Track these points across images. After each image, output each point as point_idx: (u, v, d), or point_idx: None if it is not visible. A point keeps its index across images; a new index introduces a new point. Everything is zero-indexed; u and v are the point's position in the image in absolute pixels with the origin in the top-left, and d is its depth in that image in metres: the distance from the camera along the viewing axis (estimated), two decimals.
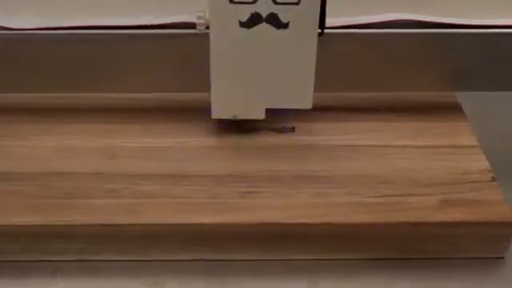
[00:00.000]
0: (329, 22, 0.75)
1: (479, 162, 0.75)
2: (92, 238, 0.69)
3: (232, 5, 0.71)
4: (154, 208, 0.70)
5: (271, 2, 0.71)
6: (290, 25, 0.72)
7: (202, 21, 0.73)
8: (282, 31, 0.72)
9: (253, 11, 0.72)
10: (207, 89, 0.77)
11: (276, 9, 0.72)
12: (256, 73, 0.75)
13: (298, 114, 0.81)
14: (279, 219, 0.69)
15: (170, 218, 0.69)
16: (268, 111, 0.78)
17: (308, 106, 0.77)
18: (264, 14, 0.72)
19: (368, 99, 0.85)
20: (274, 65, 0.75)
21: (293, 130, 0.81)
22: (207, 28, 0.73)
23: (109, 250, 0.69)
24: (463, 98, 0.86)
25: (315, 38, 0.73)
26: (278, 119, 0.81)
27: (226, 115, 0.79)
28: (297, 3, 0.71)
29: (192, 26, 0.75)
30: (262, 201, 0.71)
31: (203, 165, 0.76)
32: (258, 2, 0.71)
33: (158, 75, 0.84)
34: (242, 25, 0.72)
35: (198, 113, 0.83)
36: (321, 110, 0.80)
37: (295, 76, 0.75)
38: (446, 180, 0.73)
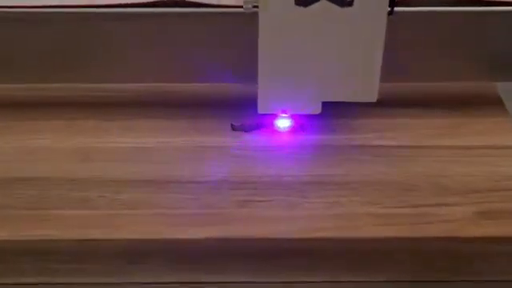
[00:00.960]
0: None
1: None
2: (61, 256, 0.69)
3: None
4: (134, 220, 0.70)
5: None
6: (355, 2, 0.72)
7: None
8: (345, 10, 0.72)
9: None
10: (203, 79, 0.77)
11: None
12: (312, 60, 0.75)
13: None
14: (284, 234, 0.69)
15: (154, 232, 0.69)
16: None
17: (373, 98, 0.77)
18: None
19: (391, 90, 0.85)
20: (334, 50, 0.75)
21: (303, 128, 0.82)
22: (255, 6, 0.73)
23: (82, 271, 0.70)
24: (504, 89, 0.87)
25: (384, 17, 0.73)
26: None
27: (274, 110, 0.79)
28: None
29: (191, 3, 0.77)
30: (264, 211, 0.71)
31: (193, 168, 0.75)
32: None
33: (142, 62, 0.85)
34: (298, 2, 0.72)
35: (188, 107, 0.85)
36: (335, 104, 0.79)
37: (359, 63, 0.75)
38: (482, 187, 0.73)
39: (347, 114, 0.84)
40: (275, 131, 0.82)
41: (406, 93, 0.87)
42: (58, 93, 0.86)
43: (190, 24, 0.83)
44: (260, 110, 0.78)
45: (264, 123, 0.82)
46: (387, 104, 0.83)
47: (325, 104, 0.79)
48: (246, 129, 0.82)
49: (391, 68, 0.82)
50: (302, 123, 0.82)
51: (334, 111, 0.82)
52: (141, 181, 0.74)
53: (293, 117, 0.82)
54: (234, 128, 0.82)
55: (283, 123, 0.82)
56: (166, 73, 0.87)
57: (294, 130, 0.82)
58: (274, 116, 0.82)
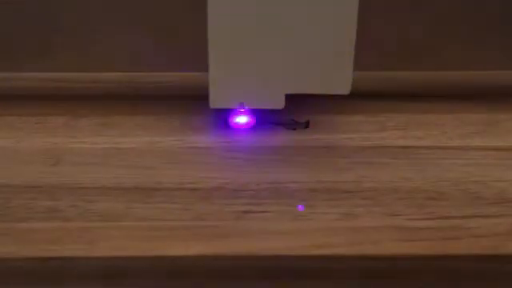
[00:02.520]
0: None
1: None
2: (23, 278, 0.68)
3: None
4: (112, 235, 0.68)
5: None
6: None
7: None
8: None
9: None
10: (195, 67, 0.78)
11: None
12: (274, 45, 0.75)
13: (314, 103, 0.80)
14: (288, 250, 0.67)
15: (137, 248, 0.67)
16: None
17: (346, 90, 0.77)
18: None
19: (416, 81, 0.86)
20: (299, 33, 0.75)
21: (307, 125, 0.81)
22: None
23: None
24: None
25: None
26: (286, 111, 0.81)
27: (229, 104, 0.79)
28: None
29: None
30: (265, 224, 0.69)
31: (184, 174, 0.75)
32: None
33: (123, 47, 0.85)
34: None
35: (178, 101, 0.85)
36: (347, 98, 0.79)
37: (329, 49, 0.75)
38: None
39: (360, 109, 0.84)
40: (276, 130, 0.82)
41: (433, 83, 0.88)
42: (23, 83, 0.87)
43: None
44: (212, 104, 0.78)
45: (263, 121, 0.82)
46: (409, 97, 0.84)
47: (333, 98, 0.79)
48: (297, 127, 0.81)
49: (414, 54, 0.82)
50: (308, 121, 0.82)
51: (345, 106, 0.82)
52: (121, 188, 0.73)
53: (250, 113, 0.81)
54: (293, 127, 0.81)
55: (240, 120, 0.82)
56: (153, 59, 0.87)
57: (298, 128, 0.82)
58: (276, 114, 0.81)
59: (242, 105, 0.79)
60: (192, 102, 0.85)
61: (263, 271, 0.68)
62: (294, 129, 0.81)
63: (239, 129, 0.81)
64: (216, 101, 0.78)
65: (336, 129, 0.82)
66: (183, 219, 0.70)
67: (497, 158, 0.78)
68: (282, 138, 0.81)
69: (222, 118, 0.82)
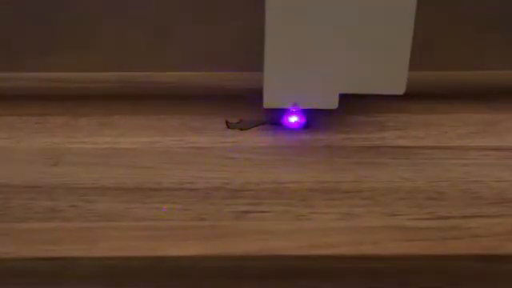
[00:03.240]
0: None
1: None
2: (23, 279, 0.67)
3: None
4: (112, 235, 0.68)
5: None
6: None
7: None
8: None
9: None
10: (195, 67, 0.77)
11: None
12: (328, 45, 0.75)
13: None
14: (288, 250, 0.67)
15: (137, 248, 0.67)
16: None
17: (401, 90, 0.77)
18: None
19: (416, 81, 0.84)
20: (354, 33, 0.75)
21: (307, 125, 0.81)
22: None
23: None
24: None
25: None
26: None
27: (283, 103, 0.79)
28: None
29: None
30: (265, 224, 0.69)
31: (184, 174, 0.75)
32: None
33: (125, 46, 0.85)
34: None
35: (178, 101, 0.84)
36: (347, 98, 0.79)
37: (384, 48, 0.75)
38: None
39: (362, 110, 0.84)
40: (277, 130, 0.82)
41: (433, 83, 0.88)
42: (23, 83, 0.87)
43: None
44: (266, 104, 0.78)
45: (264, 120, 0.82)
46: (409, 97, 0.82)
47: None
48: (244, 127, 0.81)
49: (414, 54, 0.81)
50: (310, 120, 0.82)
51: (347, 106, 0.81)
52: (121, 188, 0.73)
53: (300, 113, 0.81)
54: (229, 126, 0.81)
55: (289, 120, 0.81)
56: (153, 59, 0.87)
57: (300, 128, 0.82)
58: (278, 112, 0.81)
59: (295, 105, 0.79)
60: (192, 102, 0.85)
61: (263, 271, 0.68)
62: (294, 130, 0.81)
63: (237, 129, 0.81)
64: (270, 100, 0.78)
65: (336, 129, 0.81)
66: (183, 219, 0.70)
67: (497, 158, 0.77)
68: (282, 138, 0.81)
69: (222, 118, 0.82)
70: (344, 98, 0.78)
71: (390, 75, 0.76)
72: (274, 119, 0.82)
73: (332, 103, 0.78)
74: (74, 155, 0.77)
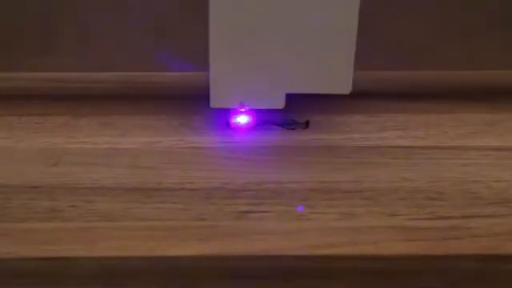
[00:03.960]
0: None
1: None
2: (23, 279, 0.67)
3: None
4: (113, 235, 0.68)
5: None
6: None
7: None
8: None
9: None
10: (195, 67, 0.77)
11: None
12: (274, 45, 0.75)
13: (314, 103, 0.80)
14: (288, 250, 0.67)
15: (137, 248, 0.67)
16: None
17: (346, 89, 0.77)
18: None
19: (416, 81, 0.86)
20: (300, 33, 0.74)
21: (306, 125, 0.81)
22: None
23: None
24: None
25: None
26: (286, 111, 0.80)
27: (230, 103, 0.79)
28: None
29: None
30: (266, 224, 0.69)
31: (184, 174, 0.75)
32: None
33: (123, 47, 0.84)
34: None
35: (178, 101, 0.84)
36: (347, 98, 0.79)
37: (329, 48, 0.75)
38: None
39: (360, 109, 0.84)
40: (277, 130, 0.82)
41: (433, 83, 0.87)
42: (23, 83, 0.87)
43: None
44: (213, 104, 0.78)
45: (263, 121, 0.81)
46: (409, 97, 0.84)
47: (337, 97, 0.78)
48: (297, 127, 0.81)
49: (414, 53, 0.81)
50: (308, 121, 0.82)
51: (345, 106, 0.82)
52: (121, 188, 0.73)
53: (251, 113, 0.81)
54: (293, 127, 0.81)
55: (240, 120, 0.82)
56: (153, 59, 0.86)
57: (298, 129, 0.82)
58: (278, 112, 0.80)
59: (242, 104, 0.78)
60: (192, 102, 0.85)
61: (263, 271, 0.67)
62: (293, 129, 0.81)
63: (239, 129, 0.81)
64: (217, 101, 0.78)
65: (336, 129, 0.81)
66: (183, 219, 0.70)
67: (497, 158, 0.77)
68: (282, 137, 0.80)
69: (223, 117, 0.82)
70: (344, 98, 0.78)
71: (336, 74, 0.76)
72: (273, 119, 0.82)
73: (279, 103, 0.78)
74: (73, 155, 0.77)
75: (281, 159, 0.77)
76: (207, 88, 0.81)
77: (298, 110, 0.82)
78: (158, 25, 0.86)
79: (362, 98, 0.82)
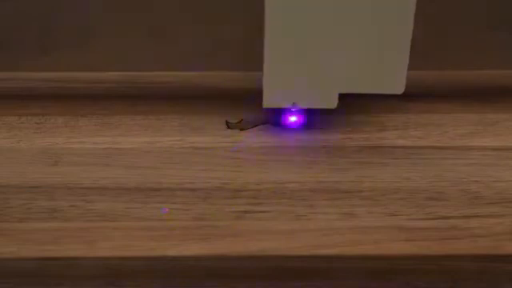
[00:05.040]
0: None
1: None
2: (24, 279, 0.67)
3: None
4: (113, 235, 0.68)
5: None
6: None
7: None
8: None
9: None
10: (196, 66, 0.77)
11: None
12: (327, 45, 0.75)
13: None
14: (288, 250, 0.67)
15: (137, 248, 0.67)
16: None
17: (400, 89, 0.77)
18: None
19: (416, 81, 0.84)
20: (353, 33, 0.75)
21: (306, 125, 0.81)
22: None
23: None
24: None
25: None
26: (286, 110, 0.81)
27: (282, 103, 0.79)
28: None
29: None
30: (265, 224, 0.69)
31: (183, 174, 0.74)
32: None
33: (124, 46, 0.84)
34: None
35: (178, 101, 0.84)
36: (347, 98, 0.79)
37: (383, 48, 0.75)
38: None
39: (362, 109, 0.84)
40: (277, 130, 0.81)
41: (433, 83, 0.87)
42: (23, 83, 0.87)
43: None
44: (265, 104, 0.78)
45: (264, 120, 0.81)
46: (409, 97, 0.83)
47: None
48: (244, 127, 0.81)
49: (415, 53, 0.81)
50: (310, 120, 0.81)
51: (347, 105, 0.81)
52: (121, 188, 0.73)
53: (299, 112, 0.81)
54: (229, 126, 0.81)
55: (289, 120, 0.81)
56: (152, 59, 0.87)
57: (300, 128, 0.81)
58: (278, 112, 0.81)
59: (294, 104, 0.79)
60: (192, 102, 0.85)
61: (263, 271, 0.67)
62: (294, 129, 0.80)
63: (237, 129, 0.81)
64: (270, 100, 0.78)
65: (336, 129, 0.81)
66: (183, 219, 0.70)
67: (497, 158, 0.77)
68: (282, 138, 0.80)
69: (222, 117, 0.82)
70: (344, 98, 0.78)
71: (390, 75, 0.76)
72: (273, 119, 0.82)
73: (331, 103, 0.78)
74: (74, 155, 0.77)
75: (281, 159, 0.77)
76: (207, 88, 0.81)
77: (298, 110, 0.82)
78: (158, 25, 0.86)
79: (362, 98, 0.82)
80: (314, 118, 0.81)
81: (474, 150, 0.78)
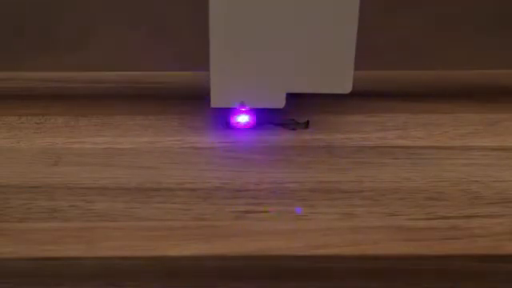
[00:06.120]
0: None
1: None
2: (23, 279, 0.67)
3: None
4: (113, 235, 0.68)
5: None
6: None
7: None
8: None
9: None
10: (195, 66, 0.77)
11: None
12: (274, 44, 0.75)
13: (314, 103, 0.80)
14: (288, 250, 0.67)
15: (137, 248, 0.67)
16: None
17: (346, 89, 0.77)
18: None
19: (416, 81, 0.86)
20: (300, 32, 0.74)
21: (306, 125, 0.81)
22: None
23: None
24: None
25: None
26: (286, 111, 0.80)
27: (230, 103, 0.79)
28: None
29: None
30: (265, 224, 0.69)
31: (184, 174, 0.74)
32: None
33: (123, 47, 0.84)
34: None
35: (178, 101, 0.84)
36: (347, 98, 0.79)
37: (329, 48, 0.75)
38: None
39: (361, 109, 0.84)
40: (277, 129, 0.82)
41: (433, 83, 0.87)
42: (23, 83, 0.87)
43: None
44: (213, 104, 0.78)
45: (263, 121, 0.81)
46: (409, 97, 0.84)
47: (337, 97, 0.78)
48: (297, 127, 0.81)
49: (414, 53, 0.81)
50: (307, 121, 0.82)
51: (345, 106, 0.82)
52: (121, 188, 0.73)
53: (251, 113, 0.81)
54: (293, 128, 0.81)
55: (240, 120, 0.82)
56: (153, 59, 0.87)
57: (300, 128, 0.82)
58: (278, 112, 0.80)
59: (242, 104, 0.78)
60: (192, 102, 0.85)
61: (263, 271, 0.67)
62: (294, 129, 0.81)
63: (239, 128, 0.81)
64: (217, 100, 0.78)
65: (336, 129, 0.81)
66: (183, 219, 0.70)
67: (497, 158, 0.77)
68: (282, 137, 0.80)
69: (223, 117, 0.82)
70: (344, 98, 0.78)
71: (337, 74, 0.76)
72: (273, 119, 0.82)
73: (279, 102, 0.78)
74: (74, 155, 0.77)
75: (281, 159, 0.77)
76: (207, 88, 0.81)
77: (298, 110, 0.82)
78: (158, 25, 0.86)
79: (362, 97, 0.82)
80: (314, 118, 0.81)
81: (474, 150, 0.78)
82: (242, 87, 0.78)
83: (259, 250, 0.67)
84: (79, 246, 0.67)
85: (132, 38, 0.87)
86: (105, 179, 0.74)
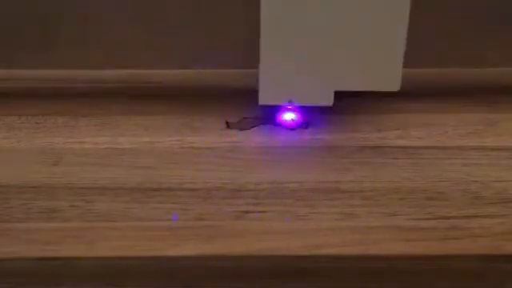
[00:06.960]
0: None
1: None
2: (23, 278, 0.67)
3: None
4: (113, 235, 0.68)
5: None
6: None
7: None
8: None
9: None
10: (197, 64, 0.77)
11: None
12: (324, 41, 0.75)
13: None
14: (288, 250, 0.67)
15: (137, 248, 0.67)
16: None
17: (396, 87, 0.77)
18: None
19: (416, 81, 0.85)
20: (349, 30, 0.75)
21: (307, 125, 0.81)
22: None
23: None
24: None
25: None
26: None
27: (278, 100, 0.79)
28: None
29: None
30: (265, 224, 0.69)
31: (184, 174, 0.74)
32: None
33: (125, 43, 0.84)
34: None
35: (178, 101, 0.84)
36: (347, 98, 0.80)
37: (379, 46, 0.76)
38: None
39: (362, 109, 0.84)
40: (277, 129, 0.81)
41: (433, 83, 0.87)
42: (23, 83, 0.87)
43: None
44: (261, 101, 0.78)
45: (264, 120, 0.81)
46: (409, 96, 0.83)
47: (336, 97, 0.78)
48: (244, 127, 0.81)
49: (414, 53, 0.81)
50: (308, 119, 0.81)
51: (346, 104, 0.82)
52: (121, 188, 0.73)
53: (298, 111, 0.81)
54: (229, 126, 0.81)
55: (287, 118, 0.81)
56: (152, 57, 0.87)
57: (298, 127, 0.81)
58: (276, 111, 0.81)
59: (290, 102, 0.79)
60: (192, 102, 0.85)
61: (263, 271, 0.67)
62: (293, 129, 0.81)
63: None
64: (265, 97, 0.78)
65: (336, 129, 0.81)
66: (183, 219, 0.70)
67: (497, 158, 0.77)
68: (282, 137, 0.80)
69: (222, 117, 0.82)
70: (344, 98, 0.79)
71: (385, 72, 0.77)
72: (273, 119, 0.81)
73: (327, 100, 0.78)
74: (74, 155, 0.77)
75: (281, 159, 0.77)
76: (208, 87, 0.81)
77: (298, 110, 0.82)
78: (158, 24, 0.86)
79: (362, 97, 0.82)
80: (313, 118, 0.81)
81: (474, 150, 0.78)
82: (291, 85, 0.78)
83: (259, 249, 0.67)
84: (79, 246, 0.67)
85: (132, 37, 0.87)
86: (104, 179, 0.74)
